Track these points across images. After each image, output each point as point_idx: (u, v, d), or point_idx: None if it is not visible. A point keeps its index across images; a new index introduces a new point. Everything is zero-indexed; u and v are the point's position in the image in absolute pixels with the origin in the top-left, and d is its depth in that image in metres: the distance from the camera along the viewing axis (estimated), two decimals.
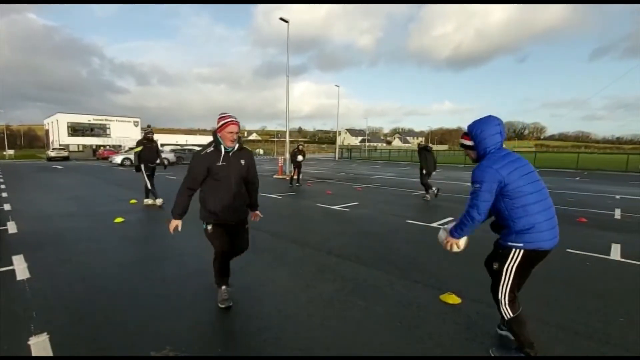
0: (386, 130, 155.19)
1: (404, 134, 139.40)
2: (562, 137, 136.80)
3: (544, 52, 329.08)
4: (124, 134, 47.66)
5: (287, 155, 17.32)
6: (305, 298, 3.13)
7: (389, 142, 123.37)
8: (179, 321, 2.67)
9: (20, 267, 3.76)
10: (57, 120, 44.03)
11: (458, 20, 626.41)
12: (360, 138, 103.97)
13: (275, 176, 16.44)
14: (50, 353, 2.26)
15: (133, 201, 8.29)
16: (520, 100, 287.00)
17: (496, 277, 2.16)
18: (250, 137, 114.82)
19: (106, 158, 31.82)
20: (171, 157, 26.15)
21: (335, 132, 56.30)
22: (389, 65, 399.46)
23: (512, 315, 2.13)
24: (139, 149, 7.58)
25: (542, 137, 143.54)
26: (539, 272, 3.84)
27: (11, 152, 46.91)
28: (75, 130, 44.57)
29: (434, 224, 6.17)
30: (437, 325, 2.67)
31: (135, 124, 49.86)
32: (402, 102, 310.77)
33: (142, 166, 7.65)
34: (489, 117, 2.18)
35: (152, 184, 7.74)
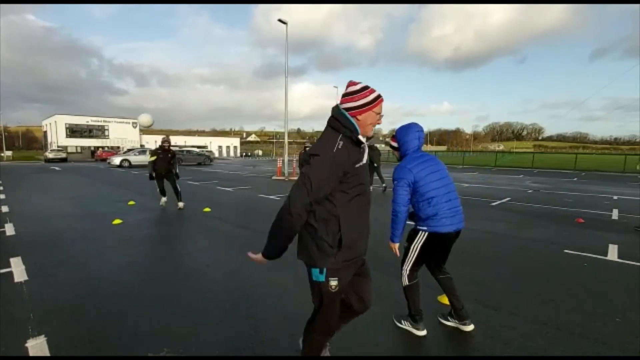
0: (385, 132, 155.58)
1: None
2: (560, 138, 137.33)
3: (544, 53, 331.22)
4: (122, 135, 47.62)
5: (286, 157, 17.33)
6: (303, 299, 3.12)
7: (387, 143, 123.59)
8: (177, 322, 2.67)
9: (17, 269, 3.75)
10: (56, 122, 43.96)
11: (457, 21, 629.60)
12: None
13: (274, 177, 16.43)
14: (47, 355, 2.26)
15: (131, 203, 8.28)
16: (519, 101, 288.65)
17: (405, 252, 2.65)
18: (249, 138, 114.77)
19: (105, 159, 31.76)
20: None
21: None
22: (389, 66, 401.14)
23: (408, 283, 2.63)
24: (153, 158, 7.61)
25: (540, 138, 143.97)
26: (538, 272, 3.87)
27: (9, 153, 46.80)
28: (73, 131, 44.51)
29: None
30: (435, 325, 2.67)
31: (134, 125, 49.79)
32: (400, 103, 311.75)
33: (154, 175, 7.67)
34: (411, 124, 2.58)
35: (162, 188, 7.84)
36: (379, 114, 1.68)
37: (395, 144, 2.63)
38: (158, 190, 7.88)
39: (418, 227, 2.56)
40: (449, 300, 2.66)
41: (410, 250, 2.60)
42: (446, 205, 2.46)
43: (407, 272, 2.63)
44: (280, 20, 17.25)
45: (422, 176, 2.43)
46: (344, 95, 1.67)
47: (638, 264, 4.18)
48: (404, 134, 2.54)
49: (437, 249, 2.57)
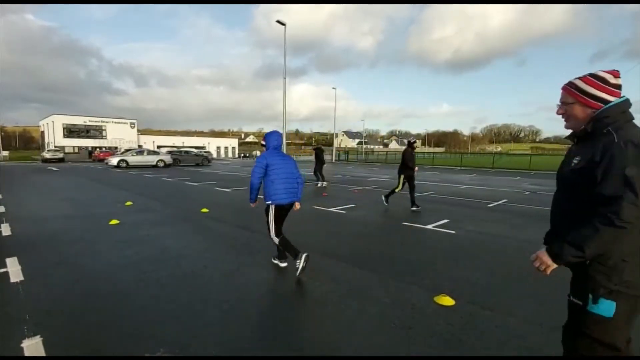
0: (383, 133, 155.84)
1: (400, 136, 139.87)
2: (558, 140, 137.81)
3: (544, 55, 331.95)
4: (120, 135, 47.48)
5: None
6: (299, 300, 3.14)
7: (385, 145, 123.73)
8: (173, 323, 2.67)
9: (13, 269, 3.74)
10: (53, 122, 43.80)
11: (458, 23, 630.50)
12: (357, 140, 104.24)
13: None
14: (43, 355, 2.25)
15: (129, 203, 8.26)
16: (518, 103, 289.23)
17: (267, 223, 3.81)
18: (248, 139, 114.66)
19: (102, 160, 31.67)
20: (167, 159, 26.10)
21: (332, 134, 56.33)
22: (389, 67, 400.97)
23: (278, 240, 3.78)
24: None
25: (537, 140, 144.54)
26: (531, 273, 3.88)
27: (5, 153, 46.51)
28: (70, 131, 44.36)
29: (430, 226, 6.20)
30: (431, 326, 2.69)
31: (132, 125, 49.67)
32: (400, 105, 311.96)
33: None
34: (273, 132, 3.89)
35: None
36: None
37: (264, 142, 3.92)
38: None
39: (267, 202, 3.79)
40: (286, 250, 3.80)
41: (269, 219, 3.80)
42: (283, 186, 3.71)
43: (274, 234, 3.80)
44: (278, 22, 17.29)
45: (272, 162, 3.70)
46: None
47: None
48: (268, 138, 3.87)
49: (281, 214, 3.81)
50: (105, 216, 6.61)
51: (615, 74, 1.49)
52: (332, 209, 7.90)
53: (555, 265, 1.46)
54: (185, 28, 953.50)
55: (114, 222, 6.11)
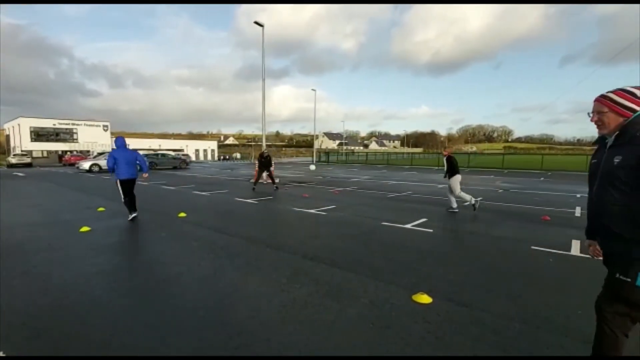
0: (363, 134, 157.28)
1: (380, 137, 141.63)
2: (528, 140, 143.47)
3: (517, 59, 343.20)
4: (92, 139, 45.68)
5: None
6: (278, 302, 3.11)
7: (366, 146, 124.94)
8: (147, 333, 2.58)
9: None
10: (19, 125, 41.58)
11: (439, 26, 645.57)
12: (338, 142, 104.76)
13: (252, 180, 16.23)
14: None
15: (101, 209, 7.95)
16: (492, 104, 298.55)
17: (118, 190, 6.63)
18: (227, 141, 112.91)
19: (73, 164, 30.32)
20: None
21: (313, 136, 56.35)
22: (371, 70, 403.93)
23: (124, 201, 6.60)
24: None
25: (509, 140, 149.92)
26: (507, 269, 4.02)
27: None
28: (39, 135, 42.19)
29: (408, 226, 6.30)
30: (409, 324, 2.72)
31: (105, 128, 47.92)
32: (381, 106, 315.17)
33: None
34: (120, 137, 6.80)
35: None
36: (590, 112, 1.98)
37: (116, 144, 6.67)
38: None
39: (115, 179, 6.53)
40: (128, 208, 6.68)
41: (119, 190, 6.59)
42: (125, 167, 6.52)
43: (122, 197, 6.64)
44: (256, 23, 17.14)
45: (117, 155, 6.49)
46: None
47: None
48: (116, 141, 6.70)
49: (124, 185, 6.56)
50: (75, 223, 6.33)
51: None
52: (312, 211, 7.89)
53: None
54: (164, 28, 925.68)
55: (84, 229, 5.85)
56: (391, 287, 3.45)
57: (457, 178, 7.88)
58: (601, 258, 1.98)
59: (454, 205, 7.96)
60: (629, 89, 1.85)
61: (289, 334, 2.57)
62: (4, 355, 2.28)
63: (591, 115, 1.95)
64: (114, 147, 6.65)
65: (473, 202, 7.90)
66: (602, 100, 1.91)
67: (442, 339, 2.52)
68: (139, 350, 2.34)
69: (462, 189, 7.95)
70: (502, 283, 3.62)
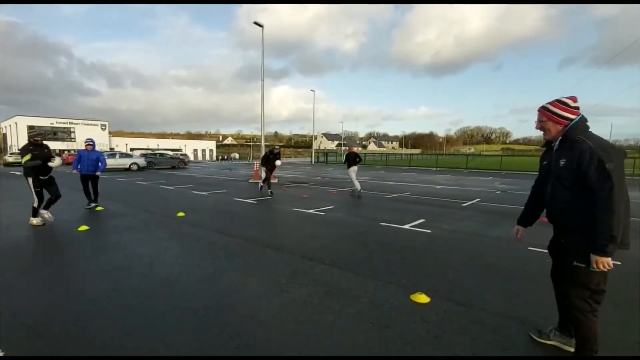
0: (362, 135, 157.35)
1: (379, 138, 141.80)
2: (526, 141, 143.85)
3: (517, 60, 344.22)
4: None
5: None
6: (278, 303, 3.12)
7: (364, 146, 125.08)
8: (147, 333, 2.58)
9: None
10: (16, 123, 41.46)
11: (439, 27, 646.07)
12: (336, 142, 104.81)
13: (250, 181, 16.24)
14: None
15: (99, 208, 7.94)
16: (491, 106, 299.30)
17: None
18: (226, 142, 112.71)
19: (70, 163, 30.21)
20: (141, 161, 25.28)
21: (312, 137, 56.37)
22: (371, 71, 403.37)
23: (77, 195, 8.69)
24: (27, 157, 6.13)
25: (507, 142, 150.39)
26: (505, 269, 4.05)
27: None
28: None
29: (406, 226, 6.32)
30: (407, 324, 2.74)
31: (103, 127, 47.79)
32: (380, 107, 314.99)
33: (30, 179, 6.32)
34: (90, 138, 8.65)
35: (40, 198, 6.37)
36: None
37: (90, 144, 8.29)
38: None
39: (78, 172, 8.12)
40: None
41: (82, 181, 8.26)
42: (85, 166, 8.06)
43: (84, 190, 8.24)
44: (256, 23, 17.13)
45: (82, 154, 8.17)
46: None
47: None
48: (93, 142, 8.47)
49: (83, 178, 8.14)
50: (73, 222, 6.32)
51: (574, 99, 2.11)
52: (311, 211, 7.90)
53: (610, 258, 1.89)
54: (164, 28, 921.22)
55: (83, 228, 5.84)
56: (390, 286, 3.47)
57: (354, 169, 10.92)
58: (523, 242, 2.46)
59: (358, 187, 10.76)
60: (563, 99, 2.11)
61: (289, 334, 2.58)
62: (3, 355, 2.28)
63: (535, 123, 2.25)
64: (91, 145, 8.29)
65: (359, 189, 10.75)
66: (542, 110, 2.18)
67: (441, 339, 2.53)
68: (138, 350, 2.34)
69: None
70: (501, 283, 3.64)
